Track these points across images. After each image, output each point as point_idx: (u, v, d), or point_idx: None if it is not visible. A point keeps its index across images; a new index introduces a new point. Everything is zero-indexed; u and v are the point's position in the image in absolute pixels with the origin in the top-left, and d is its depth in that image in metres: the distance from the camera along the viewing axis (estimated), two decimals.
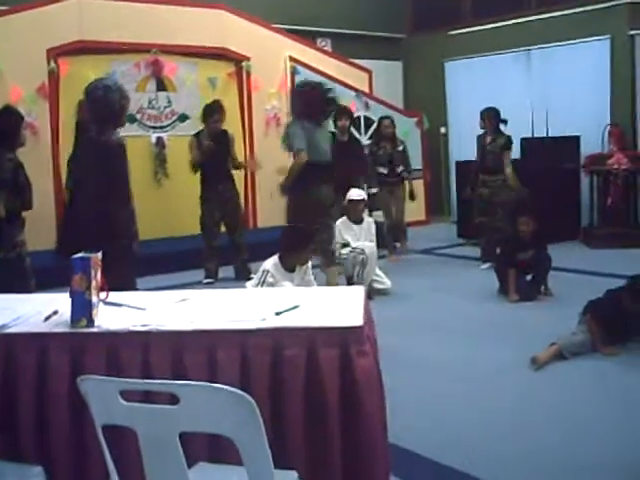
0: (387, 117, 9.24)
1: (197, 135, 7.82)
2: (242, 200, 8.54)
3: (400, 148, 9.03)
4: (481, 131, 8.64)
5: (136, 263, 4.68)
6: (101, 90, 4.35)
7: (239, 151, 9.49)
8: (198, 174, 7.79)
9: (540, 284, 6.76)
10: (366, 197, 7.57)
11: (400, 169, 8.96)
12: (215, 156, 7.66)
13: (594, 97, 10.59)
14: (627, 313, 5.07)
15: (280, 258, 5.29)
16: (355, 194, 7.34)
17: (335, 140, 8.15)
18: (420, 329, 5.87)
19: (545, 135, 11.07)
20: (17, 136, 5.22)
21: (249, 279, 7.54)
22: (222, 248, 7.81)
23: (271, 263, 5.27)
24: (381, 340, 3.06)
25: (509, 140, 8.28)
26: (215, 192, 7.70)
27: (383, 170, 8.83)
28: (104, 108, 4.36)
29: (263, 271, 5.24)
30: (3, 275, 5.06)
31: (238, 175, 9.43)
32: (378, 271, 7.16)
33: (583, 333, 5.06)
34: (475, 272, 7.88)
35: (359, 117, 10.84)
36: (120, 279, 4.24)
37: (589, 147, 10.06)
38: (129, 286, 4.34)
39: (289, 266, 5.29)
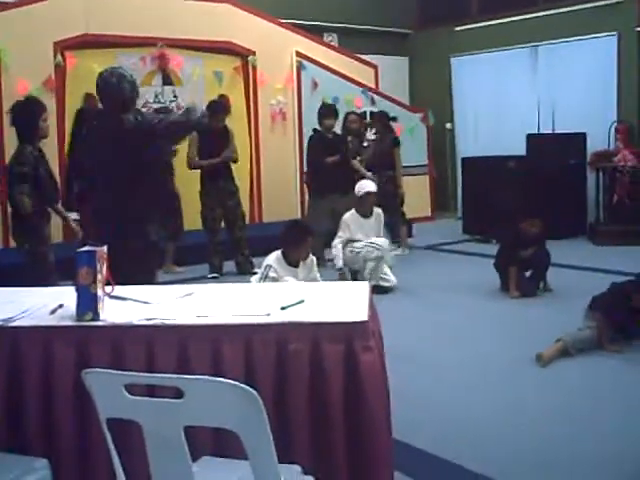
0: (354, 112, 9.24)
1: (198, 132, 7.75)
2: (246, 194, 8.51)
3: (365, 144, 9.03)
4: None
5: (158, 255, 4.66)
6: (115, 77, 4.33)
7: (245, 145, 9.50)
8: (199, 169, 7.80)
9: (539, 280, 6.78)
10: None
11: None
12: (216, 152, 7.66)
13: (601, 94, 10.57)
14: (634, 310, 5.06)
15: (283, 253, 5.28)
16: (369, 186, 7.27)
17: (320, 138, 8.19)
18: (423, 325, 5.87)
19: (551, 131, 11.06)
20: (36, 128, 5.21)
21: (252, 274, 7.56)
22: (225, 243, 7.83)
23: (273, 258, 5.27)
24: (385, 336, 3.06)
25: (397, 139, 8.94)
26: (216, 188, 7.70)
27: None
28: (114, 95, 4.32)
29: (266, 266, 5.23)
30: (26, 268, 5.09)
31: (245, 169, 9.45)
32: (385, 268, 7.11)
33: (589, 329, 5.04)
34: (479, 268, 7.86)
35: (365, 112, 10.84)
36: (148, 273, 4.25)
37: (595, 144, 10.05)
38: (153, 279, 4.35)
39: (292, 261, 5.28)
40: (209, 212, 7.76)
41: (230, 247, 7.85)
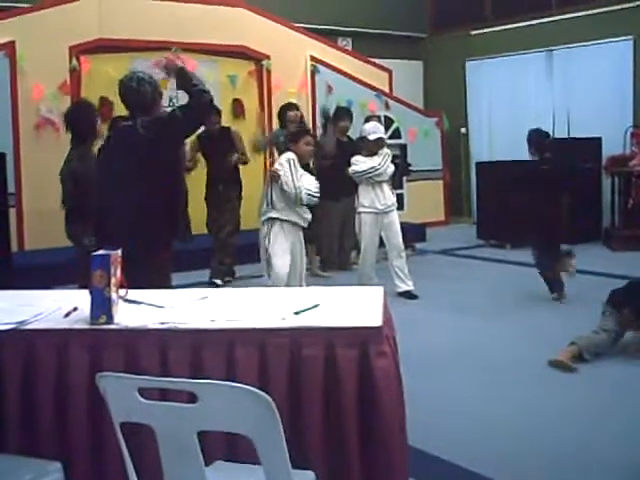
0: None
1: (199, 137, 7.53)
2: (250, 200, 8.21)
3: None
4: None
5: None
6: (134, 81, 4.31)
7: None
8: (205, 175, 7.72)
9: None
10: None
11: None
12: (217, 156, 7.53)
13: (617, 98, 10.51)
14: None
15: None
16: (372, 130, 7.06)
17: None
18: (436, 330, 5.84)
19: (567, 136, 11.00)
20: (95, 129, 5.48)
21: (224, 282, 7.48)
22: (235, 246, 7.74)
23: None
24: (398, 340, 3.04)
25: None
26: (216, 192, 7.60)
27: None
28: (135, 99, 4.29)
29: (288, 159, 5.69)
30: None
31: (259, 173, 9.42)
32: (400, 272, 7.05)
33: (605, 332, 4.96)
34: (493, 273, 7.84)
35: (379, 117, 10.82)
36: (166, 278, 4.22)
37: (611, 148, 9.99)
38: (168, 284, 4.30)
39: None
40: (209, 218, 7.70)
41: (212, 251, 7.67)
